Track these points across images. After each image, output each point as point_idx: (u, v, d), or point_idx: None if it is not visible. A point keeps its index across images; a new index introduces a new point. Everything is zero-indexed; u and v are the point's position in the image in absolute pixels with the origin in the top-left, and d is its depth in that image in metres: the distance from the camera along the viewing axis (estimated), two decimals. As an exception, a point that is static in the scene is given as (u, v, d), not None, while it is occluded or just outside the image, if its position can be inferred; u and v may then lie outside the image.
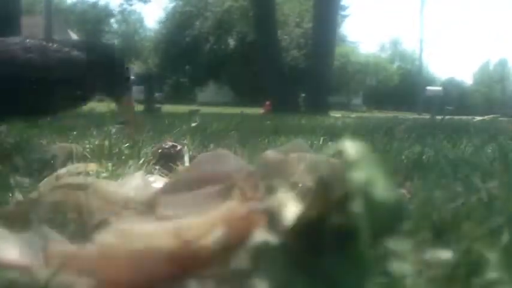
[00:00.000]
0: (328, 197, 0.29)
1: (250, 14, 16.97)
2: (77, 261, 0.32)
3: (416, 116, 9.24)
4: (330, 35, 10.55)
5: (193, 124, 1.75)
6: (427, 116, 5.56)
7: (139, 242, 0.33)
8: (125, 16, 31.48)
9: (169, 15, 25.95)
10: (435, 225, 0.41)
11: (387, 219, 0.30)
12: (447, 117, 3.18)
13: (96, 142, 1.32)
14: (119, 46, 27.05)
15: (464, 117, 4.90)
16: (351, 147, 0.30)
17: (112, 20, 32.08)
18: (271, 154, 0.62)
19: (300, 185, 0.44)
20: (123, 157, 1.04)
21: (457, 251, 0.36)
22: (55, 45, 0.98)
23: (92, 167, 0.80)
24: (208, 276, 0.32)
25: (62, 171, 0.75)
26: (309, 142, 1.51)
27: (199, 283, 0.32)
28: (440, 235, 0.39)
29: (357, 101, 25.18)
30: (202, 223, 0.34)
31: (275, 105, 9.75)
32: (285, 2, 22.67)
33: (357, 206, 0.28)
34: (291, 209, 0.32)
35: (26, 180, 0.74)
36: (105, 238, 0.33)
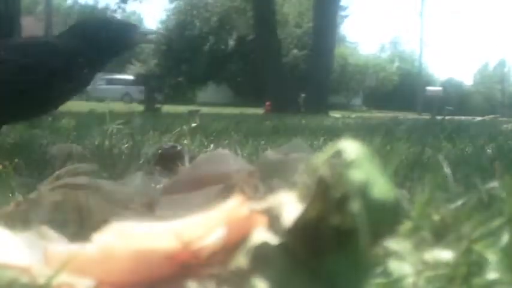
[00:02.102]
0: (328, 197, 0.29)
1: (248, 15, 16.99)
2: (77, 261, 0.32)
3: (416, 116, 9.24)
4: (330, 35, 10.55)
5: (193, 124, 1.75)
6: (427, 116, 5.57)
7: (139, 242, 0.33)
8: (124, 16, 31.47)
9: (170, 16, 25.95)
10: (435, 225, 0.41)
11: (387, 219, 0.30)
12: (447, 117, 3.18)
13: (96, 142, 1.32)
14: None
15: (464, 118, 4.90)
16: (350, 147, 0.30)
17: (112, 20, 32.01)
18: (271, 154, 0.62)
19: (299, 185, 0.44)
20: (123, 157, 1.04)
21: (457, 251, 0.36)
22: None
23: (92, 167, 0.80)
24: (208, 276, 0.32)
25: (62, 171, 0.75)
26: (309, 142, 1.51)
27: (199, 283, 0.32)
28: (440, 235, 0.39)
29: (357, 101, 25.18)
30: (202, 223, 0.34)
31: (275, 105, 9.75)
32: (285, 2, 22.67)
33: (356, 206, 0.28)
34: (291, 209, 0.32)
35: (26, 180, 0.74)
36: (105, 238, 0.33)
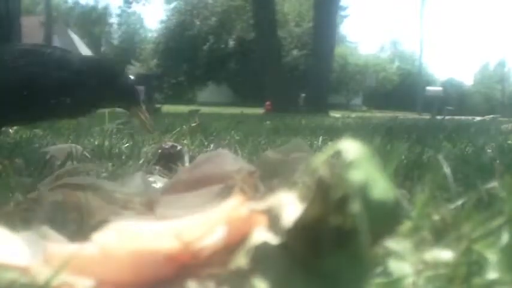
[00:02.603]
0: (328, 197, 0.29)
1: (249, 14, 16.99)
2: (77, 261, 0.32)
3: (416, 116, 9.23)
4: (330, 35, 10.56)
5: (193, 124, 1.76)
6: (427, 116, 5.56)
7: (139, 242, 0.33)
8: (125, 17, 31.47)
9: (170, 15, 25.96)
10: (435, 225, 0.41)
11: (387, 220, 0.30)
12: (447, 117, 3.18)
13: (96, 142, 1.32)
14: (119, 46, 27.07)
15: (464, 118, 4.90)
16: (350, 147, 0.30)
17: (112, 21, 32.08)
18: (271, 154, 0.62)
19: (299, 185, 0.44)
20: (123, 157, 1.04)
21: (457, 251, 0.36)
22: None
23: (92, 167, 0.80)
24: (208, 276, 0.32)
25: (62, 171, 0.75)
26: (309, 142, 1.51)
27: (199, 283, 0.32)
28: (440, 235, 0.39)
29: (357, 101, 25.18)
30: (202, 223, 0.34)
31: (275, 105, 9.75)
32: (285, 2, 22.67)
33: (356, 206, 0.28)
34: (291, 209, 0.32)
35: (26, 180, 0.74)
36: (105, 238, 0.33)
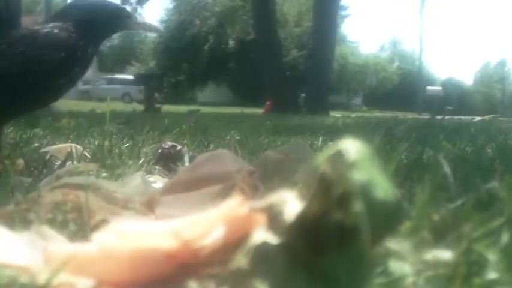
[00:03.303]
0: (328, 197, 0.29)
1: (249, 14, 17.00)
2: (77, 261, 0.32)
3: (416, 116, 9.23)
4: (330, 35, 10.55)
5: (193, 124, 1.76)
6: (427, 116, 5.56)
7: (139, 242, 0.33)
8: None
9: (170, 15, 25.95)
10: (435, 225, 0.41)
11: (387, 219, 0.30)
12: (447, 117, 3.18)
13: (96, 142, 1.32)
14: (119, 46, 27.09)
15: (464, 118, 4.90)
16: (350, 146, 0.30)
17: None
18: (271, 154, 0.62)
19: (300, 184, 0.44)
20: (123, 157, 1.04)
21: (457, 251, 0.36)
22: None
23: (92, 167, 0.81)
24: (208, 276, 0.32)
25: (62, 171, 0.75)
26: (309, 142, 1.51)
27: (199, 283, 0.32)
28: (440, 235, 0.39)
29: (357, 101, 25.20)
30: (202, 223, 0.34)
31: (275, 105, 9.76)
32: (285, 2, 22.67)
33: (357, 206, 0.28)
34: (291, 208, 0.32)
35: (26, 180, 0.74)
36: (105, 238, 0.33)
